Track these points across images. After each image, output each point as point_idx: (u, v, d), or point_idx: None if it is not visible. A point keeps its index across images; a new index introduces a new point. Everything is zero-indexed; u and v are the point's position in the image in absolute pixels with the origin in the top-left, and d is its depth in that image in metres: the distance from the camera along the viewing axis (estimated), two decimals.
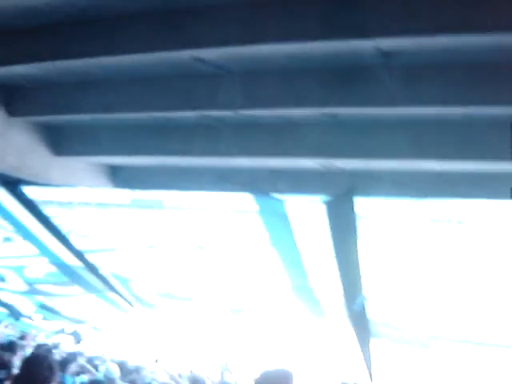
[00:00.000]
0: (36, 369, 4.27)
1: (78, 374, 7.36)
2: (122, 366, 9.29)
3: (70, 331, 12.18)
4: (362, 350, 8.98)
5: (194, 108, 6.01)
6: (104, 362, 9.88)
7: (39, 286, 13.52)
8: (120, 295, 12.21)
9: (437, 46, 4.74)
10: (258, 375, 3.66)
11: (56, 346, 7.75)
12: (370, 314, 8.74)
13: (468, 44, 4.62)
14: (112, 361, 10.01)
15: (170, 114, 6.39)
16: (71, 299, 13.73)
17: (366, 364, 8.75)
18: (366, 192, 7.04)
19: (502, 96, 5.17)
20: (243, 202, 8.26)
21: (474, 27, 4.36)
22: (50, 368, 4.27)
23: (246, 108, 5.88)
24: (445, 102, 5.31)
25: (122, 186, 8.46)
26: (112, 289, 11.94)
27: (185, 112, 6.23)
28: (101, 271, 11.12)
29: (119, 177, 8.41)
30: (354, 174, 6.99)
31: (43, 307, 13.86)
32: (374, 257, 8.55)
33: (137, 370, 9.43)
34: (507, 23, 4.27)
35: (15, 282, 13.13)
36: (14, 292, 12.89)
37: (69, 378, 5.14)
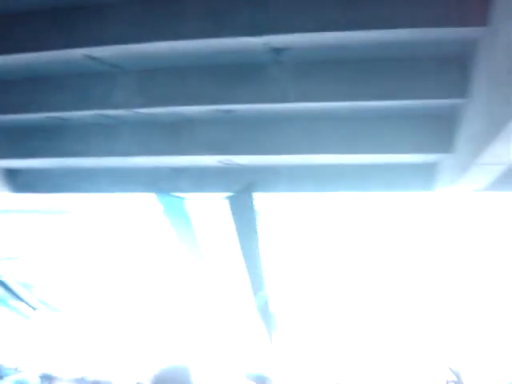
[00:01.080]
0: None
1: None
2: None
3: None
4: (268, 341, 9.17)
5: (89, 107, 5.96)
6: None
7: None
8: (24, 301, 11.92)
9: (326, 43, 4.92)
10: (154, 373, 3.67)
11: None
12: (273, 306, 8.95)
13: (355, 40, 4.83)
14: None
15: (65, 113, 6.30)
16: None
17: (271, 354, 8.95)
18: (265, 187, 7.20)
19: (389, 90, 5.45)
20: (146, 202, 8.25)
21: (359, 24, 4.59)
22: None
23: (142, 106, 5.90)
24: (335, 98, 5.53)
25: (20, 191, 8.23)
26: (15, 296, 11.65)
27: (81, 111, 6.16)
28: (3, 279, 10.82)
29: (17, 181, 8.19)
30: (253, 170, 7.12)
31: None
32: (275, 250, 8.75)
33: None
34: (390, 19, 4.53)
35: None
36: None
37: None
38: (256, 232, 7.43)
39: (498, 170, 5.57)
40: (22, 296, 11.85)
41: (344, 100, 5.62)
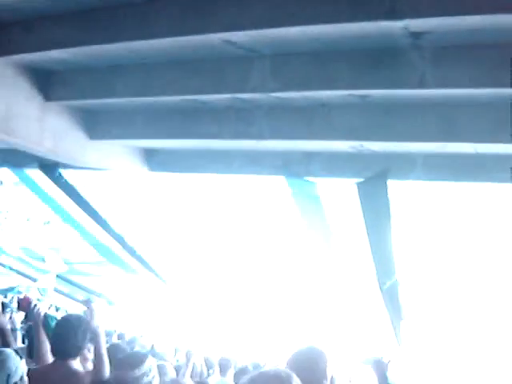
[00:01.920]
0: None
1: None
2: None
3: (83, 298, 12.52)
4: (394, 329, 9.01)
5: (225, 91, 6.05)
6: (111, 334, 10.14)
7: (77, 267, 13.87)
8: (155, 274, 12.47)
9: (466, 27, 4.67)
10: (289, 356, 3.72)
11: None
12: (402, 295, 8.75)
13: (498, 24, 4.54)
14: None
15: (202, 96, 6.43)
16: (105, 279, 14.07)
17: (398, 342, 8.78)
18: (399, 175, 7.02)
19: None
20: (276, 185, 8.31)
21: (500, 8, 4.31)
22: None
23: (277, 91, 5.89)
24: (475, 84, 5.25)
25: (156, 169, 8.57)
26: (148, 268, 12.21)
27: (217, 95, 6.27)
28: (137, 251, 11.35)
29: (154, 160, 8.52)
30: (387, 157, 6.95)
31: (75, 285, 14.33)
32: (407, 239, 8.54)
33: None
34: None
35: (55, 263, 13.49)
36: (53, 272, 13.24)
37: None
38: (388, 220, 7.26)
39: None
40: (154, 268, 12.41)
41: (485, 86, 5.33)
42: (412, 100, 5.98)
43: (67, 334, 4.58)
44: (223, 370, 7.48)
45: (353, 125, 6.34)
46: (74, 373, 4.43)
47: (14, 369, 3.80)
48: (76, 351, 4.57)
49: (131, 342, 9.58)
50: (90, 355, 4.96)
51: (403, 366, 8.13)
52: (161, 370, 4.84)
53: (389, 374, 4.71)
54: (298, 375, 2.53)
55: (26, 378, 3.95)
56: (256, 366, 6.34)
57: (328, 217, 8.08)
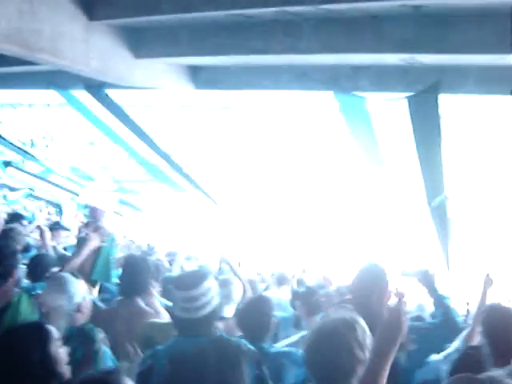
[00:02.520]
0: None
1: None
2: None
3: None
4: (442, 245, 8.99)
5: (272, 4, 5.87)
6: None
7: (126, 185, 14.11)
8: (204, 193, 12.61)
9: None
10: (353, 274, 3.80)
11: None
12: (451, 211, 8.68)
13: None
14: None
15: (248, 11, 6.26)
16: (153, 196, 14.32)
17: (445, 256, 8.79)
18: (451, 89, 6.83)
19: None
20: (324, 100, 8.20)
21: None
22: None
23: (325, 3, 5.71)
24: None
25: (203, 87, 8.50)
26: (197, 187, 12.34)
27: (263, 9, 6.10)
28: (185, 170, 11.45)
29: (200, 77, 8.45)
30: (439, 70, 6.74)
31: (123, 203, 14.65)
32: (457, 156, 8.39)
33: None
34: None
35: (104, 182, 13.76)
36: (103, 191, 13.51)
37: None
38: (438, 135, 7.11)
39: None
40: (203, 188, 12.53)
41: None
42: (467, 10, 5.73)
43: (133, 273, 4.75)
44: (280, 283, 7.50)
45: (404, 37, 6.13)
46: (141, 310, 4.62)
47: (74, 291, 3.91)
48: (142, 289, 4.73)
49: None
50: (155, 291, 5.15)
51: (450, 281, 8.16)
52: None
53: (437, 286, 4.74)
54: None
55: (87, 297, 4.07)
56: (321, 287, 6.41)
57: (377, 133, 7.96)
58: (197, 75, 8.39)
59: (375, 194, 10.09)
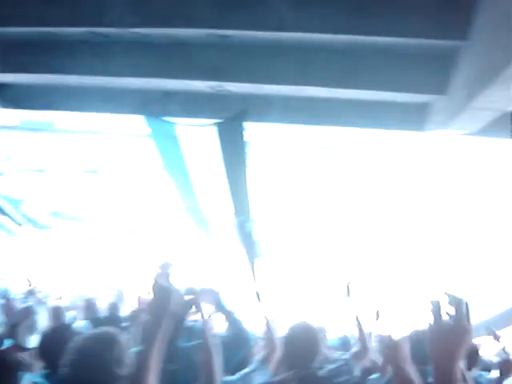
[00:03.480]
0: None
1: None
2: None
3: None
4: (250, 269, 9.32)
5: (81, 24, 5.80)
6: None
7: None
8: (9, 217, 11.97)
9: None
10: None
11: None
12: (257, 235, 9.04)
13: None
14: None
15: (56, 29, 6.12)
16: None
17: (253, 281, 9.11)
18: (256, 117, 7.13)
19: (392, 26, 5.32)
20: (134, 124, 8.17)
21: None
22: None
23: (135, 26, 5.74)
24: (332, 30, 5.41)
25: (9, 106, 8.10)
26: (1, 211, 11.68)
27: (72, 28, 6.00)
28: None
29: (6, 96, 8.04)
30: (245, 98, 7.02)
31: None
32: (263, 181, 8.76)
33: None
34: None
35: None
36: None
37: None
38: (244, 161, 7.41)
39: (491, 115, 5.53)
40: (8, 211, 11.88)
41: (341, 33, 5.51)
42: (271, 42, 6.05)
43: None
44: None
45: (212, 64, 6.34)
46: None
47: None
48: None
49: None
50: None
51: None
52: None
53: (224, 302, 5.01)
54: None
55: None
56: None
57: (186, 157, 8.10)
58: (2, 93, 7.97)
59: (183, 216, 10.22)
